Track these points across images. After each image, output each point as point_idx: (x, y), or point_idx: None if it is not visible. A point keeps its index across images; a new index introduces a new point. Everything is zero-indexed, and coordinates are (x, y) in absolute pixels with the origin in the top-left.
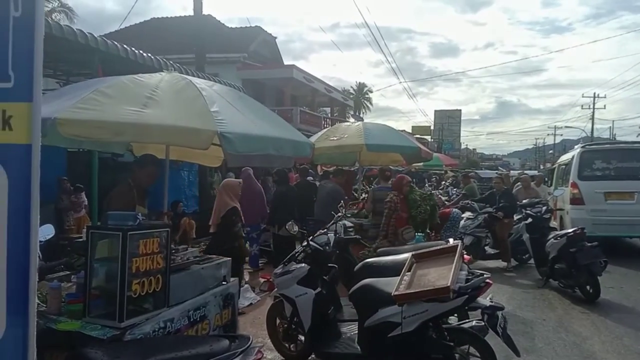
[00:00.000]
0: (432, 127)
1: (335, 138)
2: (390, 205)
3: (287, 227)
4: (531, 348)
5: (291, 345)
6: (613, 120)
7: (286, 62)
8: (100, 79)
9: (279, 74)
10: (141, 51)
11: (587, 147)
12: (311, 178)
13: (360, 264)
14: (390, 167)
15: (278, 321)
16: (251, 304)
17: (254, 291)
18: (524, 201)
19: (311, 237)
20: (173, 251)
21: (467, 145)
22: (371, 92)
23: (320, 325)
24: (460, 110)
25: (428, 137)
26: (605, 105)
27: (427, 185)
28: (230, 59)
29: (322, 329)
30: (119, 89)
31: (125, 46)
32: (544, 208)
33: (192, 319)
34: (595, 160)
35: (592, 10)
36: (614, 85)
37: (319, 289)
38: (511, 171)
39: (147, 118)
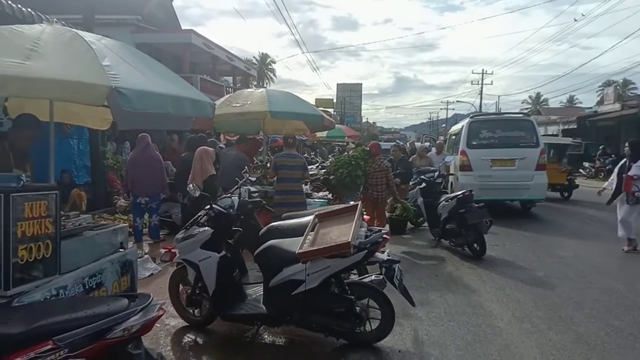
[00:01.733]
0: (334, 100)
1: (237, 104)
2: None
3: (188, 189)
4: (425, 300)
5: (195, 311)
6: (499, 96)
7: (184, 28)
8: None
9: (177, 39)
10: (19, 5)
11: (474, 117)
12: (222, 146)
13: (265, 227)
14: (295, 135)
15: (181, 287)
16: (152, 274)
17: (154, 262)
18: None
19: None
20: (63, 217)
21: (367, 118)
22: (274, 62)
23: (225, 288)
24: (361, 84)
25: (331, 110)
26: (492, 82)
27: (330, 156)
28: (123, 21)
29: (227, 292)
30: None
31: None
32: (436, 173)
33: (87, 286)
34: (482, 130)
35: None
36: (499, 63)
37: (223, 252)
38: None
39: (32, 71)
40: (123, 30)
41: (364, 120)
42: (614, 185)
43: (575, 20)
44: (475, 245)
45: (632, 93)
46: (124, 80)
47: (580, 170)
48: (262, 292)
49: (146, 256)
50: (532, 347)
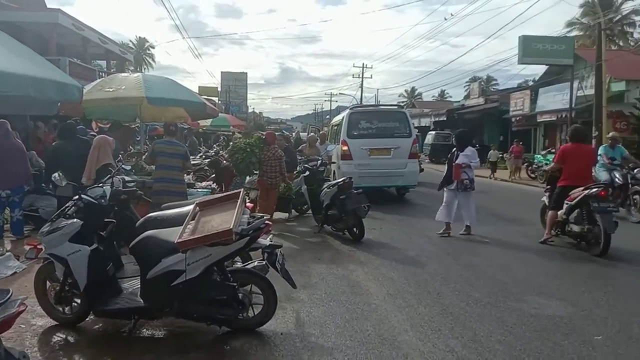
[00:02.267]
0: (219, 89)
1: (110, 89)
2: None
3: (53, 179)
4: (308, 283)
5: (65, 308)
6: (378, 89)
7: (50, 7)
8: None
9: (42, 18)
10: None
11: (354, 109)
12: (93, 135)
13: (142, 219)
14: (176, 122)
15: (48, 284)
16: (15, 272)
17: (17, 259)
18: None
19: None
20: None
21: (254, 108)
22: (153, 47)
23: (98, 283)
24: (246, 73)
25: (215, 99)
26: (372, 76)
27: (215, 145)
28: None
29: (100, 287)
30: None
31: None
32: (319, 162)
33: None
34: (361, 121)
35: None
36: (378, 58)
37: (95, 245)
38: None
39: None
40: None
41: (250, 110)
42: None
43: (445, 19)
44: (354, 229)
45: (494, 89)
46: None
47: None
48: (139, 285)
49: (8, 254)
50: (403, 320)
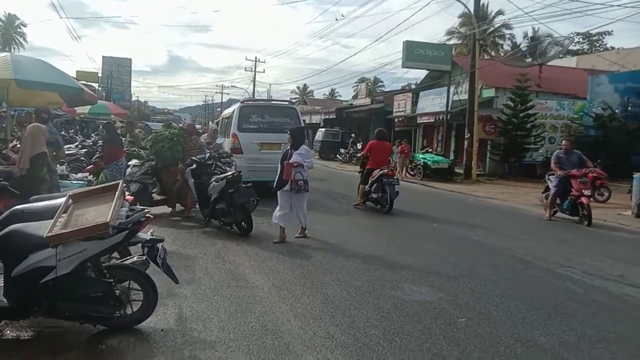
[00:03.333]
0: (99, 75)
1: None
2: None
3: None
4: (192, 279)
5: None
6: (270, 84)
7: None
8: None
9: None
10: None
11: (245, 102)
12: None
13: (7, 212)
14: (50, 109)
15: None
16: None
17: None
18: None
19: None
20: None
21: (138, 97)
22: (25, 26)
23: None
24: (130, 59)
25: (95, 85)
26: (264, 70)
27: (94, 134)
28: None
29: None
30: None
31: None
32: (207, 155)
33: None
34: (252, 114)
35: None
36: (271, 53)
37: None
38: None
39: None
40: None
41: (134, 98)
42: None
43: (337, 19)
44: (243, 223)
45: (380, 90)
46: None
47: (337, 156)
48: (1, 284)
49: None
50: (287, 310)
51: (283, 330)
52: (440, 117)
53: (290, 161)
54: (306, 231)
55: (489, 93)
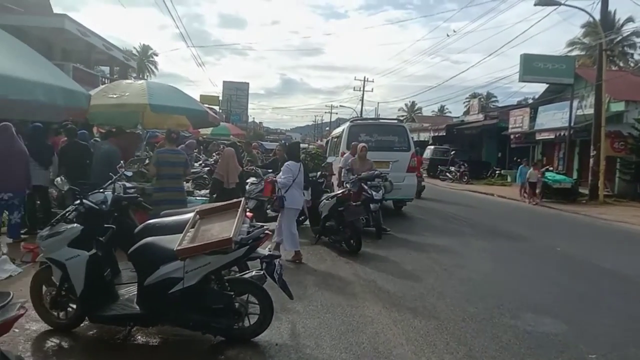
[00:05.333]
0: (220, 98)
1: (115, 96)
2: None
3: (55, 183)
4: (303, 295)
5: (61, 313)
6: (378, 102)
7: (56, 12)
8: None
9: (48, 23)
10: None
11: (354, 122)
12: (97, 139)
13: (141, 225)
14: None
15: (44, 289)
16: (11, 276)
17: (14, 263)
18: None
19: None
20: None
21: (254, 118)
22: (156, 55)
23: (95, 289)
24: (247, 83)
25: (216, 107)
26: (372, 89)
27: (215, 154)
28: None
29: (97, 293)
30: None
31: None
32: (319, 173)
33: None
34: (361, 133)
35: (364, 1)
36: (380, 72)
37: (93, 251)
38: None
39: None
40: None
41: (250, 119)
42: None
43: (448, 35)
44: (351, 241)
45: (493, 105)
46: None
47: (447, 174)
48: (135, 292)
49: (4, 257)
50: (399, 334)
51: (395, 355)
52: (562, 134)
53: (273, 178)
54: (296, 256)
55: (617, 107)
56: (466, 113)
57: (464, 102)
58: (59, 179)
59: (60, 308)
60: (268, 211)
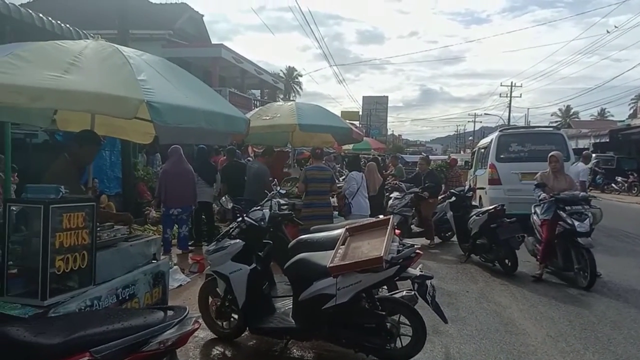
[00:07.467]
0: (360, 113)
1: (267, 117)
2: None
3: (221, 202)
4: (456, 317)
5: (224, 323)
6: (528, 108)
7: (214, 42)
8: (18, 44)
9: (207, 53)
10: (59, 22)
11: (504, 131)
12: (250, 159)
13: (294, 240)
14: (323, 147)
15: (210, 299)
16: (181, 285)
17: (183, 273)
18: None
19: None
20: (99, 228)
21: (393, 131)
22: (301, 76)
23: (254, 301)
24: (387, 96)
25: (356, 122)
26: (521, 94)
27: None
28: (155, 36)
29: (257, 305)
30: (38, 53)
31: (41, 15)
32: (466, 187)
33: (120, 297)
34: (512, 143)
35: (508, 3)
36: (528, 76)
37: (253, 265)
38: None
39: (67, 83)
40: (154, 45)
41: (389, 132)
42: None
43: (608, 32)
44: (506, 261)
45: None
46: (157, 95)
47: (613, 185)
48: (291, 306)
49: (175, 267)
50: None
51: None
52: None
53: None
54: None
55: None
56: (632, 116)
57: (630, 104)
58: (223, 198)
59: (224, 318)
60: (412, 226)
